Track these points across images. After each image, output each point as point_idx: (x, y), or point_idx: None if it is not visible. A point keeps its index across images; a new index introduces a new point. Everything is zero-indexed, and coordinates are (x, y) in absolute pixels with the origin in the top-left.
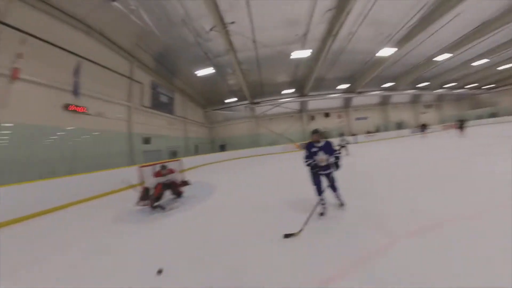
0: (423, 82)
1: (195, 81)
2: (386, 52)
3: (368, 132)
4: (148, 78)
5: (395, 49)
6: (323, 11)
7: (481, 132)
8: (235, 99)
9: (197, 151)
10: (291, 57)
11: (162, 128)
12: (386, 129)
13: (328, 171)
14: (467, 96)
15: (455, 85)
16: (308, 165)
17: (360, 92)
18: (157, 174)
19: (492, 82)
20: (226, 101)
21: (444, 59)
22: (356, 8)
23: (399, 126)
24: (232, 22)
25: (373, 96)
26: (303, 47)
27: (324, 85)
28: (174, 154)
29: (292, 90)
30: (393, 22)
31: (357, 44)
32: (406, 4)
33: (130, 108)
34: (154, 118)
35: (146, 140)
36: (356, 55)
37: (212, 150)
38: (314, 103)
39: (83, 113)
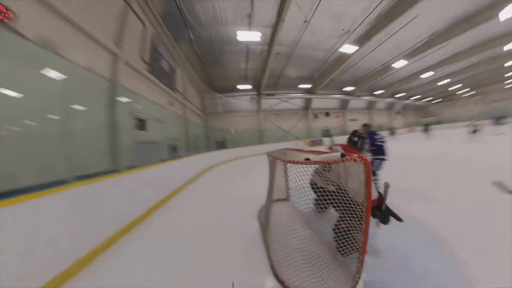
0: (398, 93)
1: (206, 53)
2: (348, 49)
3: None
4: (150, 28)
5: (405, 62)
6: (373, 15)
7: (437, 134)
8: (246, 87)
9: (197, 147)
10: (340, 49)
11: (161, 110)
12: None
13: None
14: (423, 107)
15: (419, 97)
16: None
17: (358, 96)
18: None
19: (439, 96)
20: (238, 87)
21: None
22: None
23: (380, 128)
24: None
25: (364, 100)
26: (343, 43)
27: (328, 86)
28: (173, 151)
29: (308, 86)
30: (409, 39)
31: (375, 53)
32: (425, 30)
33: (117, 58)
34: (151, 89)
35: (141, 124)
36: (367, 63)
37: (208, 147)
38: (317, 102)
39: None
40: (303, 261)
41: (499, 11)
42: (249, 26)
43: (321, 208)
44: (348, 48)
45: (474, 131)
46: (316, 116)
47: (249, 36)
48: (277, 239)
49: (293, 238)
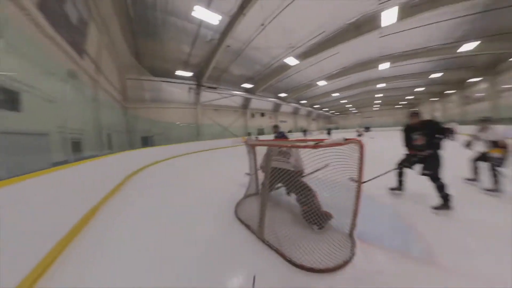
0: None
1: (136, 19)
2: (291, 61)
3: (289, 131)
4: None
5: (325, 83)
6: (314, 41)
7: (336, 135)
8: (185, 74)
9: (110, 143)
10: (284, 60)
11: (54, 81)
12: (297, 131)
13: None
14: (329, 117)
15: (327, 109)
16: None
17: (288, 102)
18: None
19: (339, 110)
20: (178, 72)
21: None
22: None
23: (301, 129)
24: None
25: (292, 106)
26: (286, 56)
27: (268, 89)
28: (76, 146)
29: (250, 86)
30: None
31: (307, 71)
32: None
33: None
34: (39, 39)
35: (9, 100)
36: (299, 77)
37: (130, 144)
38: (255, 103)
39: None
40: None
41: (379, 64)
42: (208, 5)
43: (287, 192)
44: (291, 61)
45: (359, 135)
46: (253, 115)
47: (207, 16)
48: (272, 230)
49: (283, 224)
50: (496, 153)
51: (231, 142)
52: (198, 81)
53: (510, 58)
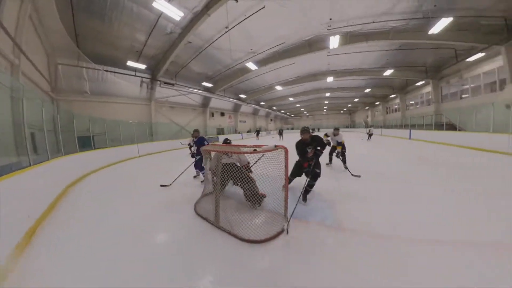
0: (273, 106)
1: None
2: (251, 66)
3: (248, 131)
4: None
5: (281, 88)
6: (273, 50)
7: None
8: (138, 65)
9: (35, 145)
10: (246, 64)
11: None
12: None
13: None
14: (286, 118)
15: (284, 111)
16: None
17: (248, 103)
18: None
19: (294, 113)
20: (130, 63)
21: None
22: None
23: (260, 129)
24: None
25: (251, 107)
26: (247, 60)
27: (229, 90)
28: None
29: (210, 85)
30: (286, 75)
31: (266, 76)
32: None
33: None
34: None
35: None
36: (260, 81)
37: (64, 146)
38: (215, 102)
39: None
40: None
41: (327, 76)
42: None
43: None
44: (251, 65)
45: (370, 135)
46: (212, 114)
47: (169, 10)
48: (225, 217)
49: (234, 211)
50: (338, 149)
51: (186, 142)
52: (153, 75)
53: (414, 83)
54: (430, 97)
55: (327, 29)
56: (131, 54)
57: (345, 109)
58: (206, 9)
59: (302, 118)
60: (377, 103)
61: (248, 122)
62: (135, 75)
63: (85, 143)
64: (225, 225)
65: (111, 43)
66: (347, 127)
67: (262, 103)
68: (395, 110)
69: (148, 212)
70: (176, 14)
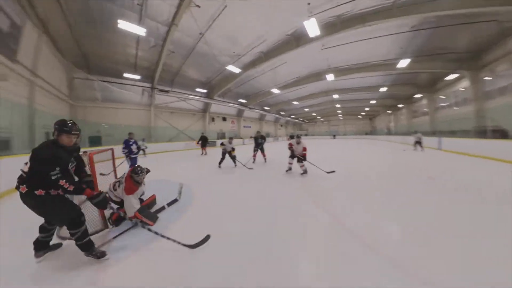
0: (281, 111)
1: (81, 21)
2: (275, 90)
3: (251, 137)
4: None
5: (278, 91)
6: (257, 50)
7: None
8: (136, 76)
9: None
10: (226, 67)
11: None
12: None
13: None
14: (299, 124)
15: (294, 116)
16: None
17: (251, 108)
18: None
19: (307, 118)
20: (125, 75)
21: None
22: (273, 60)
23: (267, 135)
24: (198, 6)
25: (257, 112)
26: (233, 63)
27: (229, 95)
28: (5, 145)
29: (204, 91)
30: (283, 76)
31: (261, 78)
32: (292, 72)
33: None
34: None
35: None
36: (258, 84)
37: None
38: (216, 107)
39: None
40: None
41: (325, 75)
42: (140, 15)
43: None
44: (233, 69)
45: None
46: (213, 119)
47: (131, 28)
48: None
49: None
50: (301, 155)
51: (183, 146)
52: (152, 83)
53: (443, 77)
54: (468, 95)
55: (309, 17)
56: (128, 67)
57: (363, 113)
58: (172, 20)
59: (317, 123)
60: (400, 105)
61: (253, 128)
62: (134, 85)
63: (95, 142)
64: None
65: (113, 59)
66: (366, 133)
67: (266, 108)
68: (424, 114)
69: None
70: (140, 31)
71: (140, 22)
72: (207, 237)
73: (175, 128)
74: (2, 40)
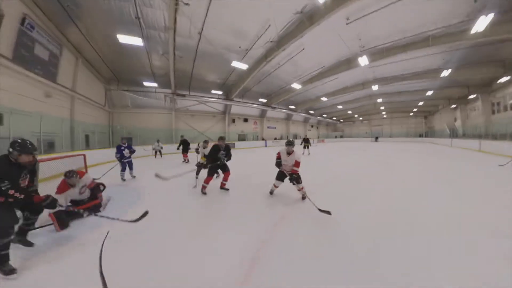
0: (311, 110)
1: (105, 44)
2: (296, 86)
3: (275, 139)
4: (19, 6)
5: (300, 86)
6: (266, 39)
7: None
8: (155, 84)
9: (87, 142)
10: (231, 64)
11: (30, 101)
12: (287, 137)
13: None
14: (332, 124)
15: (326, 116)
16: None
17: (273, 107)
18: (63, 188)
19: (342, 117)
20: (145, 83)
21: (325, 101)
22: (288, 49)
23: (295, 136)
24: (187, 4)
25: (283, 112)
26: (241, 60)
27: (248, 95)
28: (50, 146)
29: (220, 92)
30: (305, 67)
31: (280, 73)
32: (315, 62)
33: None
34: (16, 80)
35: None
36: (277, 80)
37: (112, 143)
38: (237, 108)
39: None
40: None
41: (358, 59)
42: (141, 27)
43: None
44: (242, 65)
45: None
46: (233, 121)
47: (130, 40)
48: None
49: None
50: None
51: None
52: (171, 89)
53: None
54: None
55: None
56: (147, 76)
57: (414, 109)
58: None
59: (355, 123)
60: (472, 96)
61: (278, 129)
62: (155, 91)
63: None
64: None
65: (134, 71)
66: (420, 135)
67: (292, 106)
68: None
69: None
70: (137, 41)
71: (142, 34)
72: (145, 213)
73: (195, 130)
74: (44, 67)
